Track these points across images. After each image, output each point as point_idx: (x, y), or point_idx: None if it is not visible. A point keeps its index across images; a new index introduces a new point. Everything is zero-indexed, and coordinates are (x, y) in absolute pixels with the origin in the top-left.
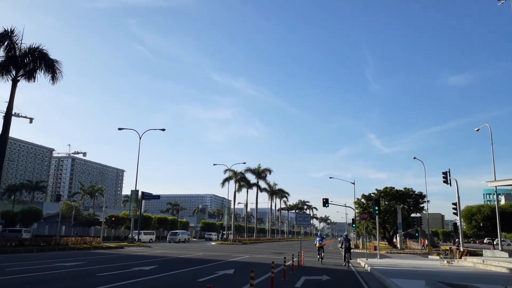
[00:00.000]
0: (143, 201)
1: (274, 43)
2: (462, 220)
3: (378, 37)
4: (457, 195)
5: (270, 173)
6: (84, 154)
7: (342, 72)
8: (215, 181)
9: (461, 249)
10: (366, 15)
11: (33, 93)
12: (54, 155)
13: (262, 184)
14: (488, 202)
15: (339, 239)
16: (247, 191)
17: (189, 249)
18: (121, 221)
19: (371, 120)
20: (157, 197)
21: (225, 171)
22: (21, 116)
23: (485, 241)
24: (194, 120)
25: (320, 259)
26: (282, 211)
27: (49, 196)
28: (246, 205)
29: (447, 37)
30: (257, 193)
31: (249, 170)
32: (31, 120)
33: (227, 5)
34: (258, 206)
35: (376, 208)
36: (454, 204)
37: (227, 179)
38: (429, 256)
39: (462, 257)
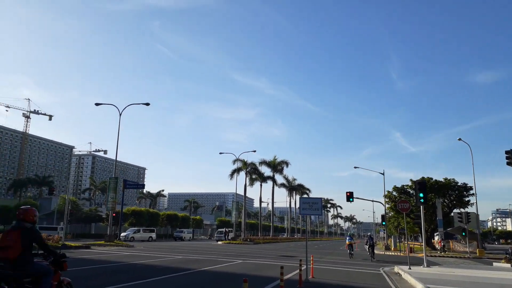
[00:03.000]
0: (165, 198)
1: (296, 42)
2: None
3: (403, 35)
4: None
5: (287, 166)
6: (105, 152)
7: (366, 70)
8: (239, 179)
9: None
10: (389, 12)
11: (62, 94)
12: (75, 152)
13: (279, 179)
14: None
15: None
16: (261, 185)
17: (176, 251)
18: (124, 218)
19: (396, 118)
20: (142, 186)
21: (234, 161)
22: (41, 114)
23: None
24: (216, 120)
25: (350, 255)
26: None
27: (69, 193)
28: (260, 200)
29: (475, 34)
30: (273, 187)
31: (264, 162)
32: (50, 117)
33: (248, 5)
34: (280, 205)
35: (421, 194)
36: None
37: (235, 171)
38: (494, 264)
39: None
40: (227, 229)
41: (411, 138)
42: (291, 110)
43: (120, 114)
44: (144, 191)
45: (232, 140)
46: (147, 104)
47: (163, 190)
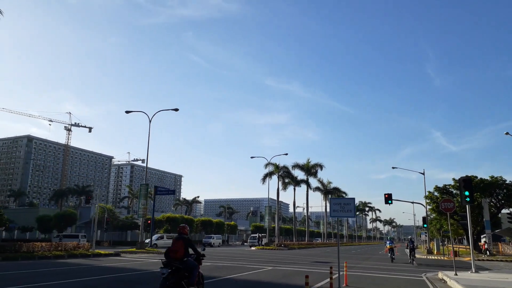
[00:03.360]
0: (201, 204)
1: (327, 44)
2: None
3: (439, 30)
4: None
5: (321, 168)
6: (143, 161)
7: (402, 69)
8: (271, 184)
9: None
10: (424, 7)
11: (102, 107)
12: (114, 162)
13: (314, 182)
14: None
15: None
16: (294, 189)
17: (206, 257)
18: (159, 225)
19: (435, 117)
20: (172, 192)
21: (266, 165)
22: (81, 126)
23: None
24: (250, 126)
25: (392, 259)
26: None
27: (109, 202)
28: (294, 205)
29: None
30: (307, 191)
31: (297, 165)
32: (90, 129)
33: (278, 11)
34: (315, 209)
35: (467, 193)
36: None
37: (267, 175)
38: None
39: None
40: (260, 235)
41: (452, 137)
42: (325, 113)
43: (150, 121)
44: (180, 198)
45: (266, 145)
46: (176, 109)
47: (198, 197)
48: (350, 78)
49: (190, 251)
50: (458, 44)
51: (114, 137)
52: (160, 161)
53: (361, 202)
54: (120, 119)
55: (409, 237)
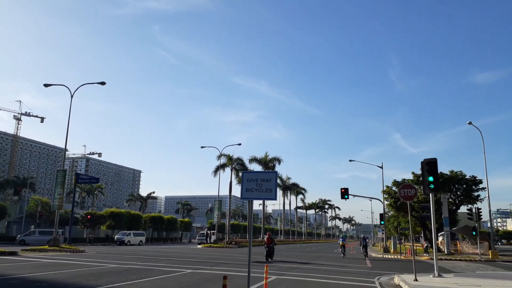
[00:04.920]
0: (162, 201)
1: (297, 45)
2: None
3: (402, 37)
4: None
5: (279, 163)
6: (100, 154)
7: (366, 73)
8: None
9: None
10: (388, 14)
11: (61, 99)
12: (68, 155)
13: None
14: None
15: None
16: None
17: (125, 257)
18: (102, 220)
19: (396, 120)
20: (96, 180)
21: (218, 157)
22: (32, 115)
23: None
24: (217, 123)
25: (343, 255)
26: (299, 210)
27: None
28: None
29: (476, 33)
30: None
31: (254, 159)
32: (42, 119)
33: (248, 9)
34: (277, 207)
35: (431, 178)
36: None
37: (219, 167)
38: None
39: None
40: (209, 231)
41: (412, 139)
42: (291, 113)
43: (72, 96)
44: (134, 194)
45: (232, 143)
46: (103, 83)
47: (153, 192)
48: (316, 80)
49: None
50: (420, 51)
51: (72, 130)
52: (119, 155)
53: (321, 199)
54: (78, 111)
55: (362, 235)
